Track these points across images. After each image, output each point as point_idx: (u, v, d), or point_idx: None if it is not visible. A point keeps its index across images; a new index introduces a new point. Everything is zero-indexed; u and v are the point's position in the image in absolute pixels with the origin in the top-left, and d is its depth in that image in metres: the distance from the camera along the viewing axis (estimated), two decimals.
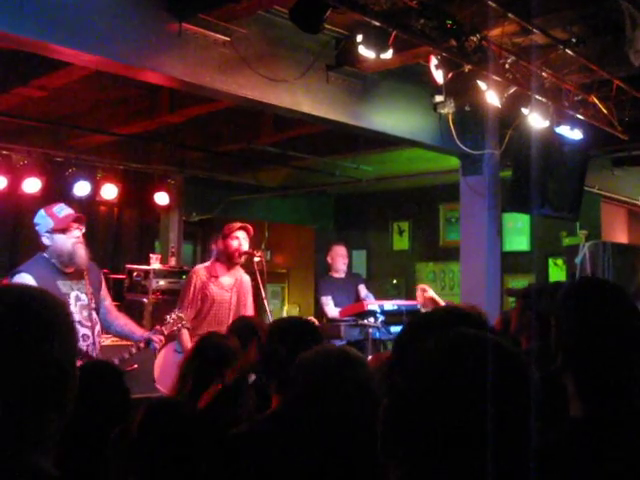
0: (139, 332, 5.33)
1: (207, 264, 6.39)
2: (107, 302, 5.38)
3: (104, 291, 5.37)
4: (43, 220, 5.02)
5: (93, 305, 5.08)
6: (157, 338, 5.15)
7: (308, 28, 4.99)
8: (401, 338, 1.84)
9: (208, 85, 5.90)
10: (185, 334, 5.88)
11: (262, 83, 6.09)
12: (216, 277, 6.13)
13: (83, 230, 5.10)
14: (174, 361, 5.56)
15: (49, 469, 1.38)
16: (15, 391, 1.38)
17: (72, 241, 4.98)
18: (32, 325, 1.42)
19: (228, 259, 6.12)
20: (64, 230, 4.97)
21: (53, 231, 4.97)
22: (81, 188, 9.14)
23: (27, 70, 6.61)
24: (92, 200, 9.55)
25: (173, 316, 5.34)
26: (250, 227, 6.15)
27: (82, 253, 5.03)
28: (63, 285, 4.96)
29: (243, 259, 6.19)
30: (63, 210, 5.06)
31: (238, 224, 6.11)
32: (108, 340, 6.79)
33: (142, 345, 5.12)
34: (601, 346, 1.91)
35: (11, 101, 7.49)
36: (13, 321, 1.40)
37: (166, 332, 5.24)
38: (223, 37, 5.78)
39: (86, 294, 5.07)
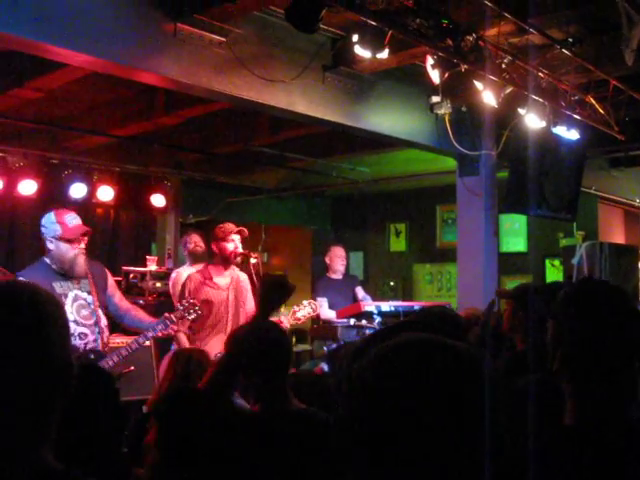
0: (147, 320, 5.40)
1: (198, 268, 6.43)
2: (115, 298, 5.46)
3: (111, 288, 5.45)
4: (52, 225, 5.08)
5: (97, 303, 5.11)
6: (162, 327, 5.17)
7: (304, 28, 4.97)
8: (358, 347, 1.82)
9: (204, 86, 5.89)
10: (183, 337, 5.88)
11: (258, 83, 6.08)
12: (210, 279, 6.10)
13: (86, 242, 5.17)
14: None
15: (56, 464, 1.41)
16: (23, 388, 1.39)
17: (75, 252, 5.05)
18: (34, 321, 1.43)
19: (224, 261, 6.08)
20: (71, 241, 5.00)
21: (59, 239, 5.03)
22: (77, 190, 9.12)
23: (22, 71, 6.59)
24: (88, 202, 9.53)
25: (184, 303, 5.39)
26: (245, 230, 6.13)
27: (82, 262, 5.10)
28: (60, 286, 4.99)
29: (239, 259, 6.17)
30: (74, 220, 5.14)
31: (234, 227, 6.08)
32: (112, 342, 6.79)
33: (149, 334, 5.16)
34: (601, 347, 1.90)
35: (7, 102, 7.48)
36: (15, 318, 1.41)
37: (175, 319, 5.27)
38: (219, 37, 5.76)
39: (89, 293, 5.13)
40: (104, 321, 5.22)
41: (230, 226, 6.08)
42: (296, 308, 6.19)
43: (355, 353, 1.39)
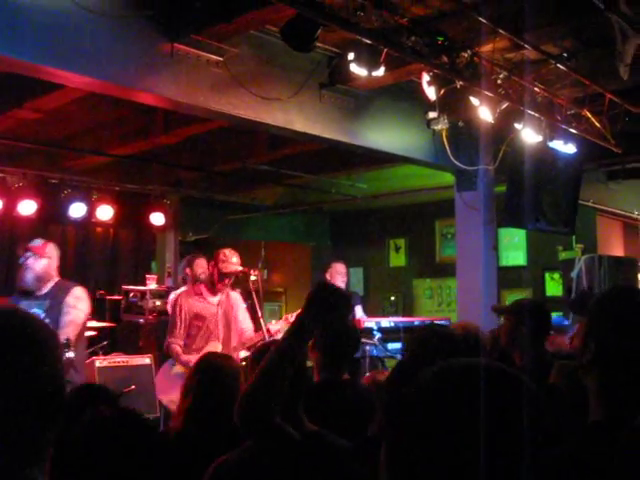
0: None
1: (186, 288, 6.66)
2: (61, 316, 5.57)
3: (63, 304, 5.57)
4: None
5: (47, 320, 5.26)
6: None
7: (300, 47, 5.01)
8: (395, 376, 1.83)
9: (201, 105, 5.92)
10: (176, 347, 6.11)
11: (255, 102, 6.11)
12: (200, 294, 6.28)
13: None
14: (168, 371, 6.20)
15: None
16: (17, 409, 1.40)
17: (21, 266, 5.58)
18: (28, 343, 1.45)
19: (212, 284, 6.21)
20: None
21: None
22: (77, 209, 9.16)
23: (21, 93, 6.63)
24: (88, 221, 9.57)
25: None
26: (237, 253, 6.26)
27: (28, 278, 5.53)
28: (26, 305, 5.19)
29: (231, 280, 6.29)
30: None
31: (230, 250, 6.23)
32: (105, 362, 6.80)
33: None
34: (632, 346, 1.93)
35: (5, 123, 7.51)
36: (10, 340, 1.43)
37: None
38: (215, 57, 5.80)
39: (44, 310, 5.43)
40: None
41: (228, 249, 6.22)
42: (290, 318, 6.28)
43: (396, 379, 1.41)
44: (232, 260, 6.15)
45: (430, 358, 1.40)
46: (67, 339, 5.24)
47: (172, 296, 7.68)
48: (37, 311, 5.35)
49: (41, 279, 5.54)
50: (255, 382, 2.55)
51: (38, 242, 5.71)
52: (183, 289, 6.76)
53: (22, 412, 1.41)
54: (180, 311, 6.17)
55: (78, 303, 5.66)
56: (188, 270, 7.62)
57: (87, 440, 2.37)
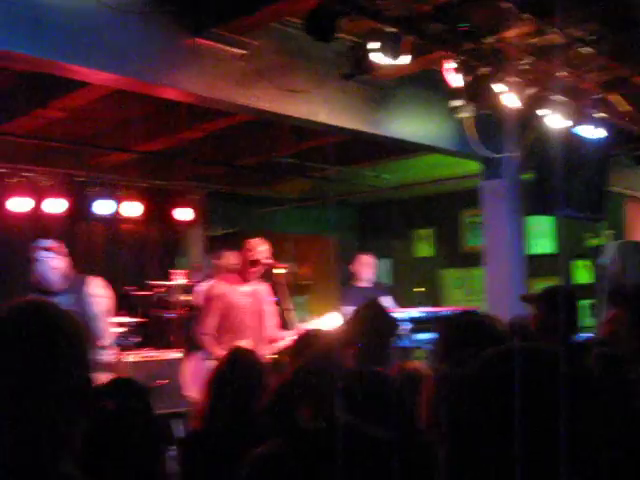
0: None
1: (222, 278, 6.45)
2: (86, 306, 5.65)
3: (84, 295, 5.65)
4: None
5: None
6: None
7: (322, 37, 4.99)
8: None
9: (225, 99, 5.93)
10: (209, 341, 6.00)
11: (279, 95, 6.10)
12: (231, 284, 6.19)
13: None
14: (200, 366, 5.94)
15: (78, 476, 1.44)
16: (42, 403, 1.42)
17: (44, 267, 5.55)
18: (59, 337, 1.46)
19: (249, 272, 6.16)
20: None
21: None
22: (104, 206, 9.22)
23: (46, 92, 6.66)
24: (115, 218, 9.63)
25: None
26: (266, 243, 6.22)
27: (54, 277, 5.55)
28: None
29: (263, 270, 6.24)
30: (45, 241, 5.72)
31: (260, 240, 6.19)
32: (139, 356, 6.85)
33: None
34: None
35: (32, 123, 7.56)
36: (33, 335, 1.43)
37: None
38: (238, 50, 5.80)
39: (66, 306, 5.36)
40: None
41: (257, 239, 6.17)
42: (318, 320, 6.27)
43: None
44: (259, 249, 6.14)
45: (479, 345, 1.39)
46: (103, 346, 5.37)
47: (201, 287, 7.67)
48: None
49: (65, 277, 5.61)
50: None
51: (48, 242, 5.74)
52: (213, 281, 6.70)
53: (53, 406, 1.42)
54: (212, 301, 6.09)
55: (100, 291, 5.75)
56: (218, 261, 7.62)
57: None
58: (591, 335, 6.91)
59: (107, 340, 5.64)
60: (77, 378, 1.46)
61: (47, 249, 5.64)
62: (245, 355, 3.76)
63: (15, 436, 1.40)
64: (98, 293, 5.78)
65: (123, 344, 7.37)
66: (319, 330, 4.43)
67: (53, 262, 5.60)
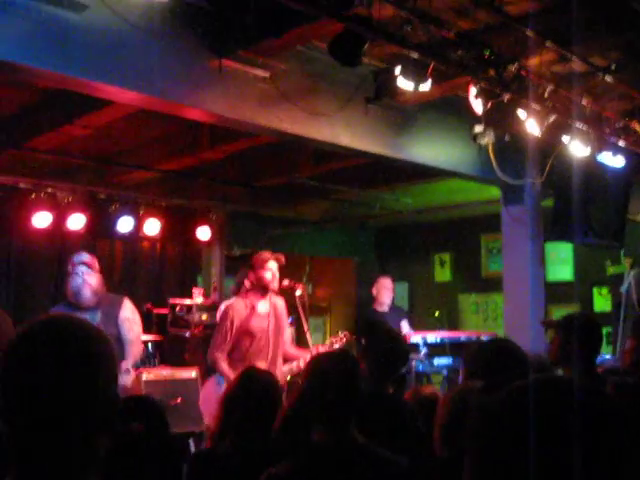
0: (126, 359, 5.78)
1: (241, 297, 6.32)
2: (123, 330, 5.80)
3: (122, 319, 5.82)
4: None
5: None
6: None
7: (347, 62, 5.03)
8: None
9: (248, 120, 5.97)
10: (222, 363, 5.93)
11: (302, 117, 6.14)
12: (253, 308, 6.10)
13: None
14: (215, 392, 5.68)
15: None
16: (72, 421, 1.43)
17: (77, 283, 5.70)
18: (86, 354, 1.48)
19: (262, 289, 6.12)
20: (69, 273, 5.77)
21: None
22: (124, 224, 9.27)
23: (71, 109, 6.73)
24: (135, 236, 9.68)
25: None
26: (281, 257, 6.15)
27: (86, 293, 5.70)
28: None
29: (277, 288, 6.20)
30: (78, 257, 5.84)
31: (268, 255, 6.12)
32: (151, 374, 6.86)
33: None
34: None
35: (56, 139, 7.63)
36: (65, 353, 1.45)
37: (129, 369, 5.74)
38: (262, 72, 5.85)
39: (96, 323, 5.51)
40: None
41: (265, 254, 6.13)
42: (333, 339, 6.23)
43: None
44: (269, 264, 6.08)
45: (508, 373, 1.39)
46: (127, 369, 5.41)
47: (222, 306, 7.62)
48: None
49: (96, 293, 5.67)
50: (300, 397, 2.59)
51: (87, 256, 5.79)
52: (233, 299, 6.62)
53: (78, 422, 1.43)
54: (231, 323, 5.99)
55: (134, 316, 5.82)
56: (238, 280, 7.55)
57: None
58: (605, 358, 6.89)
59: (129, 362, 5.68)
60: (108, 395, 1.48)
61: (84, 263, 5.70)
62: (258, 375, 3.76)
63: (45, 453, 1.42)
64: (133, 318, 5.85)
65: (142, 363, 7.38)
66: (334, 351, 4.44)
67: (88, 277, 5.66)
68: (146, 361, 7.96)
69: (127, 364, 5.62)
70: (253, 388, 3.60)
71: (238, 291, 6.56)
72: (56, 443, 1.42)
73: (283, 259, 6.16)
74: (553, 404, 1.22)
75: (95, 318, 5.59)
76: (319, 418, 2.83)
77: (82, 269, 5.64)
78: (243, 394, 3.58)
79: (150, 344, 8.66)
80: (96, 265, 5.79)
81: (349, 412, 2.85)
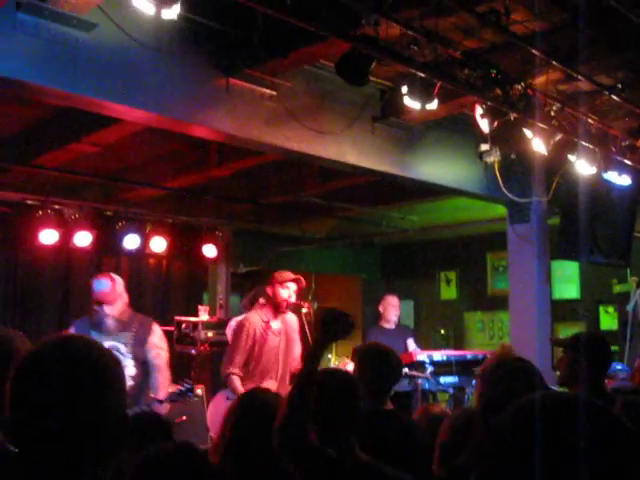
0: (156, 388, 5.78)
1: (256, 311, 6.26)
2: (150, 355, 5.81)
3: (150, 345, 5.82)
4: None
5: (129, 355, 5.67)
6: (146, 407, 5.40)
7: (354, 81, 5.06)
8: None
9: (255, 139, 5.99)
10: (236, 380, 5.89)
11: (308, 135, 6.17)
12: (267, 322, 6.09)
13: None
14: (224, 408, 5.60)
15: None
16: (83, 438, 1.45)
17: (101, 313, 5.77)
18: (97, 375, 1.49)
19: (275, 307, 6.10)
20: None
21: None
22: (131, 241, 9.28)
23: (80, 127, 6.77)
24: (141, 253, 9.68)
25: (185, 384, 5.71)
26: (302, 280, 6.13)
27: (109, 323, 5.74)
28: (96, 337, 5.25)
29: (288, 309, 6.19)
30: (98, 285, 5.84)
31: (291, 275, 6.09)
32: None
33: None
34: None
35: (64, 157, 7.66)
36: (75, 372, 1.46)
37: (162, 400, 5.62)
38: (269, 91, 5.88)
39: (125, 345, 5.64)
40: (130, 371, 5.60)
41: (288, 274, 6.11)
42: (347, 360, 6.22)
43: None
44: (288, 284, 6.08)
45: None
46: (160, 400, 5.42)
47: (232, 322, 7.56)
48: (115, 344, 5.56)
49: (119, 320, 5.71)
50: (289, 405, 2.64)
51: (105, 286, 5.76)
52: (248, 314, 6.56)
53: (89, 441, 1.44)
54: (246, 336, 5.96)
55: (162, 343, 5.86)
56: (258, 296, 7.48)
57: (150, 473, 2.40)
58: (617, 368, 6.85)
59: (162, 393, 5.65)
60: (118, 415, 1.49)
61: (99, 302, 5.77)
62: (262, 394, 3.76)
63: (53, 471, 1.42)
64: (161, 345, 5.86)
65: None
66: (338, 368, 4.44)
67: (108, 310, 5.74)
68: None
69: (160, 395, 5.61)
70: (254, 406, 3.59)
71: (251, 306, 6.52)
72: (64, 462, 1.42)
73: (304, 283, 6.15)
74: (560, 422, 1.22)
75: (121, 339, 5.63)
76: (320, 435, 2.84)
77: (100, 307, 5.72)
78: (244, 412, 3.58)
79: None
80: (116, 291, 5.81)
81: (349, 429, 2.86)
